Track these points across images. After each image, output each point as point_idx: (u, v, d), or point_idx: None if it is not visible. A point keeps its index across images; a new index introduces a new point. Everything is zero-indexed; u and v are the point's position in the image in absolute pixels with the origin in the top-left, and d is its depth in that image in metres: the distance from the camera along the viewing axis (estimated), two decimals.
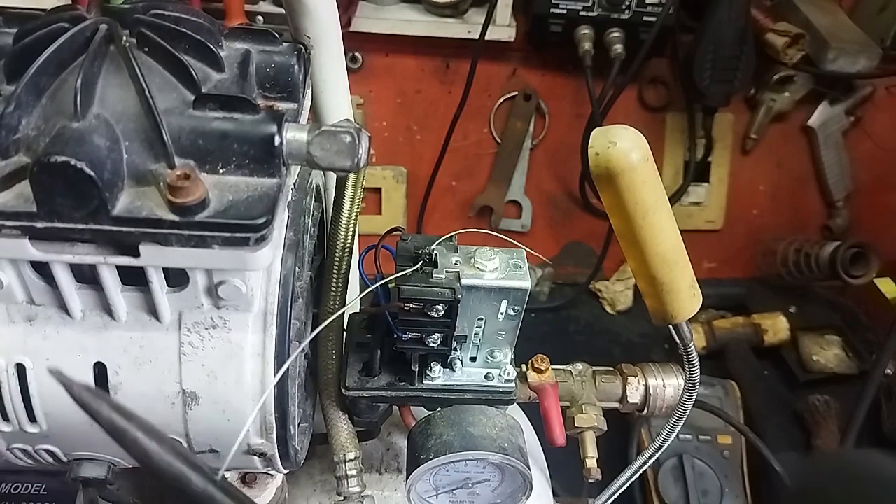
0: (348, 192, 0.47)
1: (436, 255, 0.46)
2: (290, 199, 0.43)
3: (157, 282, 0.39)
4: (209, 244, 0.36)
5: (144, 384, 0.41)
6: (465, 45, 1.28)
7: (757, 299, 1.42)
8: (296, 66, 0.43)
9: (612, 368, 0.55)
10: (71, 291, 0.40)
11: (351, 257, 0.49)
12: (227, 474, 0.52)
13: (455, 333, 0.46)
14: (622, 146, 0.36)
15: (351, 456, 0.51)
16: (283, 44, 0.44)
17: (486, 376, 0.50)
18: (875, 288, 1.30)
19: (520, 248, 0.46)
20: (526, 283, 0.45)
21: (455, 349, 0.48)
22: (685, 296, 0.41)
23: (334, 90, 0.50)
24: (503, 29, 1.28)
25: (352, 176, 0.47)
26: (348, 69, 0.51)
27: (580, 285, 1.46)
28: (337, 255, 0.48)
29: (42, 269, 0.39)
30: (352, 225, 0.48)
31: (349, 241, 0.48)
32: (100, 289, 0.40)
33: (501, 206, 1.45)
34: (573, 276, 1.49)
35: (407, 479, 0.48)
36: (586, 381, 0.54)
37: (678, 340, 0.44)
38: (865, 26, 1.34)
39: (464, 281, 0.44)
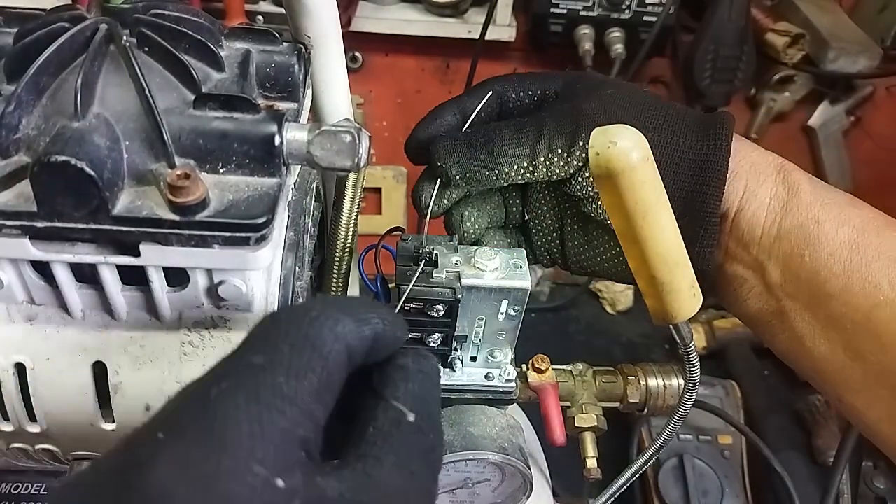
0: (348, 192, 0.47)
1: (436, 254, 0.46)
2: (290, 198, 0.43)
3: (158, 281, 0.39)
4: (209, 244, 0.36)
5: (144, 384, 0.41)
6: (465, 44, 1.28)
7: None
8: (296, 66, 0.43)
9: (612, 368, 0.55)
10: (71, 291, 0.40)
11: (351, 257, 0.49)
12: None
13: (455, 333, 0.47)
14: (622, 146, 0.36)
15: None
16: (283, 44, 0.44)
17: (487, 376, 0.50)
18: None
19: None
20: (526, 283, 0.45)
21: (455, 349, 0.48)
22: (686, 296, 0.41)
23: (334, 90, 0.50)
24: (503, 29, 1.28)
25: (352, 176, 0.47)
26: (348, 69, 0.51)
27: (580, 285, 1.46)
28: (337, 255, 0.48)
29: (42, 268, 0.39)
30: (352, 225, 0.48)
31: (349, 241, 0.48)
32: (100, 288, 0.40)
33: None
34: (573, 276, 1.49)
35: None
36: (586, 381, 0.54)
37: (678, 340, 0.44)
38: (866, 26, 1.34)
39: (464, 281, 0.44)
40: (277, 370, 0.26)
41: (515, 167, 0.46)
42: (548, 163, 0.46)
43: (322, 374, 0.27)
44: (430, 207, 0.49)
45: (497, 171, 0.47)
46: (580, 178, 0.47)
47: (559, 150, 0.46)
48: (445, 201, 0.50)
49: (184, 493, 0.22)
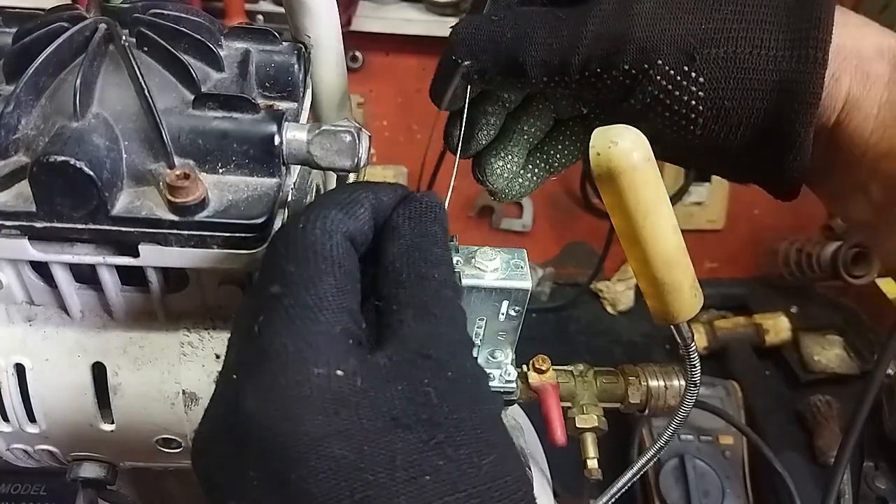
0: None
1: None
2: (290, 198, 0.43)
3: (157, 282, 0.39)
4: (209, 244, 0.36)
5: (144, 385, 0.41)
6: None
7: (758, 299, 1.42)
8: (296, 66, 0.43)
9: (613, 369, 0.55)
10: (70, 292, 0.40)
11: None
12: None
13: None
14: (623, 146, 0.36)
15: None
16: (283, 43, 0.44)
17: (487, 377, 0.50)
18: (876, 288, 1.29)
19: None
20: (527, 284, 0.45)
21: None
22: (687, 296, 0.40)
23: (334, 90, 0.50)
24: None
25: (352, 175, 0.47)
26: (348, 68, 0.51)
27: (581, 285, 1.46)
28: None
29: (41, 269, 0.39)
30: None
31: None
32: (99, 289, 0.40)
33: (502, 206, 1.45)
34: (574, 276, 1.49)
35: None
36: (587, 382, 0.54)
37: (679, 341, 0.44)
38: None
39: (464, 281, 0.44)
40: (294, 289, 0.29)
41: (545, 79, 0.38)
42: (584, 82, 0.38)
43: (334, 271, 0.30)
44: (460, 140, 0.43)
45: (523, 80, 0.39)
46: (627, 104, 0.37)
47: (597, 70, 0.37)
48: (478, 135, 0.44)
49: (271, 411, 0.26)
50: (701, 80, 0.36)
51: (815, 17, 0.35)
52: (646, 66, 0.36)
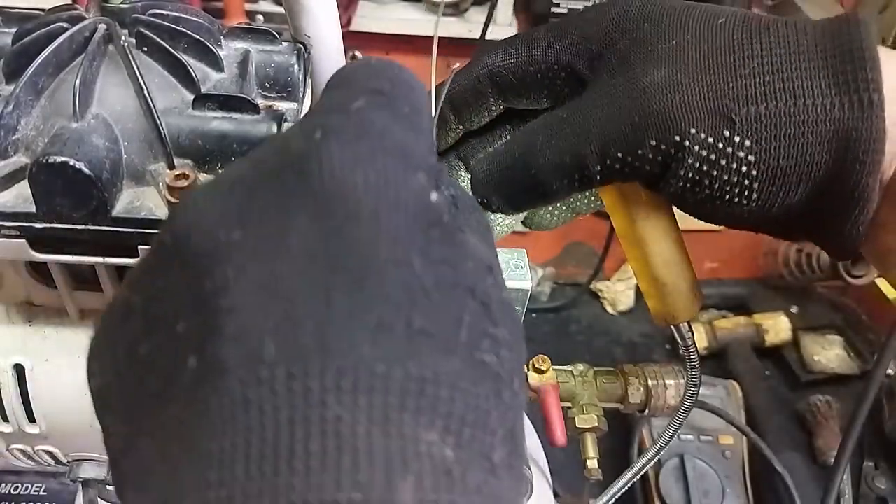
0: None
1: None
2: None
3: None
4: None
5: None
6: (465, 44, 1.28)
7: (758, 299, 1.42)
8: (295, 66, 0.43)
9: (613, 369, 0.55)
10: (70, 292, 0.40)
11: None
12: None
13: None
14: None
15: None
16: (283, 43, 0.44)
17: None
18: (877, 288, 1.30)
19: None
20: (527, 284, 0.45)
21: None
22: (687, 297, 0.40)
23: None
24: (504, 28, 1.28)
25: None
26: None
27: (581, 285, 1.46)
28: None
29: (41, 269, 0.39)
30: None
31: None
32: (99, 289, 0.40)
33: None
34: (574, 276, 1.49)
35: None
36: (587, 382, 0.54)
37: (679, 341, 0.44)
38: None
39: None
40: (398, 95, 0.25)
41: (565, 182, 0.35)
42: (608, 171, 0.34)
43: (428, 121, 0.26)
44: None
45: (545, 191, 0.36)
46: (666, 183, 0.33)
47: (619, 155, 0.33)
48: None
49: (362, 183, 0.21)
50: (747, 143, 0.32)
51: (857, 53, 0.31)
52: (677, 138, 0.32)
